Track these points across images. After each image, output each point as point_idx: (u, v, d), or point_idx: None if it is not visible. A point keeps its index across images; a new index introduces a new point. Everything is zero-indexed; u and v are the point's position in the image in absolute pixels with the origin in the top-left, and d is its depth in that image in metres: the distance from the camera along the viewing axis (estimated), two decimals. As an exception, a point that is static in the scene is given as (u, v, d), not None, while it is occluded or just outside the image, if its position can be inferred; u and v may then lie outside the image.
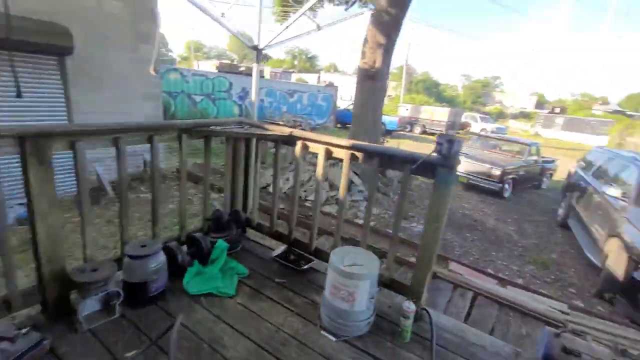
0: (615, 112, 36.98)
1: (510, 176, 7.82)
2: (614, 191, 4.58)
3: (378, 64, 5.61)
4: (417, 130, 21.20)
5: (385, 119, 18.64)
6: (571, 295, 3.95)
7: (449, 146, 1.58)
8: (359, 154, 1.89)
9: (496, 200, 7.47)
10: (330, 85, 20.74)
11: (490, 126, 22.64)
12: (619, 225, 4.09)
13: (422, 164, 1.69)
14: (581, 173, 6.53)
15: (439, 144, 1.58)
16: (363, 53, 5.81)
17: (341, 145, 1.93)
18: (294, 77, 38.10)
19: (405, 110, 22.71)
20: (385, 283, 1.89)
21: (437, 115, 20.60)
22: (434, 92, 41.81)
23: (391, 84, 45.63)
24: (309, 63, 52.32)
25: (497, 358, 1.64)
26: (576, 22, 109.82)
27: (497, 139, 10.35)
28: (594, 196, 5.28)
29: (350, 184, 5.61)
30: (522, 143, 9.29)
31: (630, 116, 35.17)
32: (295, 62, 47.57)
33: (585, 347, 1.53)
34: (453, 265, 4.16)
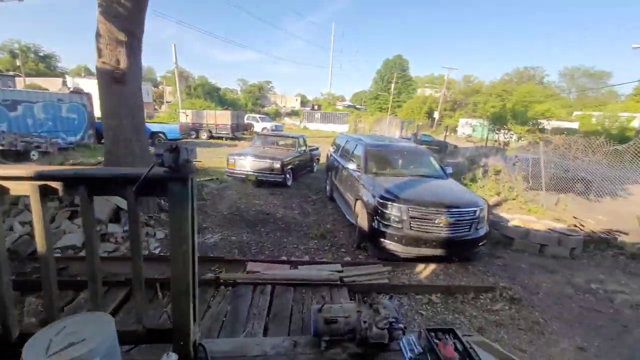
0: (349, 106, 50.58)
1: (289, 167, 8.91)
2: (352, 165, 6.03)
3: (123, 64, 4.73)
4: (204, 135, 20.66)
5: (164, 127, 17.00)
6: (343, 254, 4.89)
7: (173, 156, 1.34)
8: (55, 185, 1.33)
9: (282, 190, 8.33)
10: (79, 91, 16.17)
11: (269, 125, 25.34)
12: (359, 190, 5.42)
13: (150, 182, 1.37)
14: (333, 155, 8.30)
15: (157, 155, 1.30)
16: (99, 50, 4.72)
17: (20, 177, 1.30)
18: (21, 83, 27.90)
19: (185, 116, 21.50)
20: (140, 337, 1.47)
21: (220, 118, 20.81)
22: (215, 96, 42.15)
23: (167, 89, 42.11)
24: (44, 64, 39.82)
25: (280, 358, 1.62)
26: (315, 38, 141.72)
27: (274, 135, 11.55)
28: (343, 171, 6.81)
29: (118, 211, 4.52)
30: (292, 137, 10.80)
31: (358, 109, 49.16)
32: (18, 62, 34.63)
33: (339, 311, 1.75)
34: (250, 266, 4.19)
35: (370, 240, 4.82)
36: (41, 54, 39.31)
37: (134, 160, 4.78)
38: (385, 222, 4.57)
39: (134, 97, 5.08)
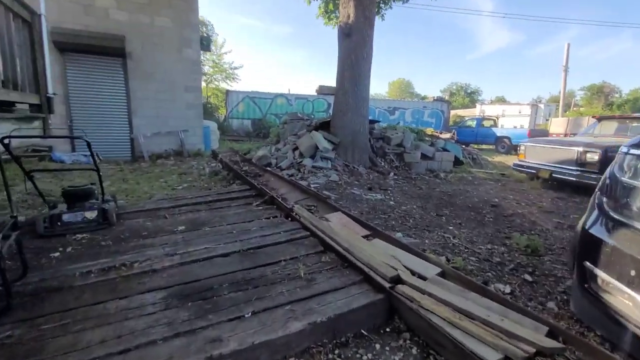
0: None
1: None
2: None
3: (352, 18, 5.23)
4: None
5: (511, 131, 14.81)
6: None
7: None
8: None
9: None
10: (440, 99, 20.90)
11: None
12: None
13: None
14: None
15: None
16: (340, 11, 5.59)
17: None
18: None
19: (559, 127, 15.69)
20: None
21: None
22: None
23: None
24: (469, 98, 45.38)
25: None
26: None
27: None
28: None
29: (315, 149, 5.49)
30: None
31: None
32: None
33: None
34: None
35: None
36: (469, 91, 47.08)
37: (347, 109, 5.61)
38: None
39: (358, 52, 5.43)
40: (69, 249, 2.51)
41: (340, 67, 5.98)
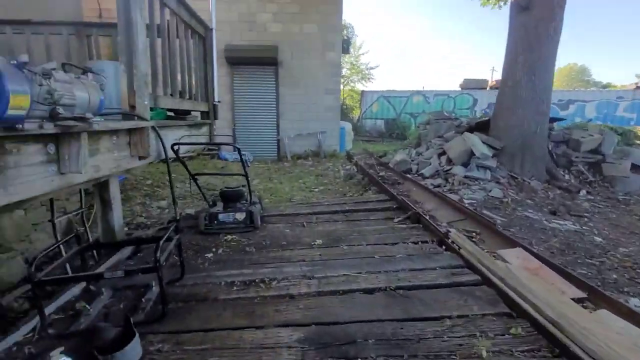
0: None
1: None
2: None
3: None
4: None
5: None
6: None
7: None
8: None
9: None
10: None
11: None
12: None
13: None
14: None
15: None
16: None
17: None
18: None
19: None
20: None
21: None
22: None
23: None
24: None
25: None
26: None
27: None
28: None
29: (469, 155, 4.81)
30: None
31: None
32: None
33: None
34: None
35: None
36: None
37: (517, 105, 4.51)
38: None
39: (539, 25, 4.34)
40: (220, 251, 2.63)
41: (511, 51, 4.73)
